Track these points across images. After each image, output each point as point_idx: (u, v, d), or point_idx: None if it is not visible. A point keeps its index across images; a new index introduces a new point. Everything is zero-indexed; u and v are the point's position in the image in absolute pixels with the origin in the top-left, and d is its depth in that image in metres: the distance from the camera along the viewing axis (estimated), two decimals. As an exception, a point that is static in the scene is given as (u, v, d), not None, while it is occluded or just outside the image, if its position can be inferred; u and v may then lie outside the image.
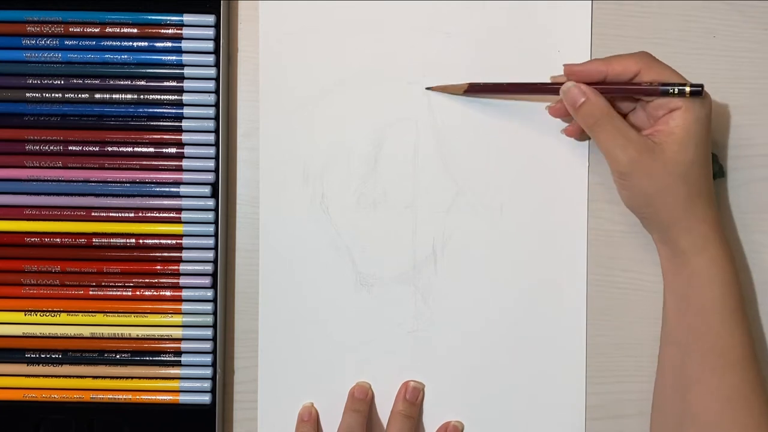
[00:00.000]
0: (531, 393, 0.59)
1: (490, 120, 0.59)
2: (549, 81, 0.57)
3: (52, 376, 0.58)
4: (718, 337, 0.53)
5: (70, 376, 0.58)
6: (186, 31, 0.58)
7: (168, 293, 0.58)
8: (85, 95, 0.58)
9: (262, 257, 0.60)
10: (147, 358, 0.58)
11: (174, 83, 0.58)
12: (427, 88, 0.59)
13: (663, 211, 0.54)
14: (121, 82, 0.58)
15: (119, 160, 0.58)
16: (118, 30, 0.58)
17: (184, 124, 0.58)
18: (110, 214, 0.58)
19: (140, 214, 0.58)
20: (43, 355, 0.58)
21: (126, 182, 0.58)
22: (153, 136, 0.58)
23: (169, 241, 0.58)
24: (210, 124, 0.58)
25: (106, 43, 0.58)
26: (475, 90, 0.58)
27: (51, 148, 0.58)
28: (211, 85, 0.58)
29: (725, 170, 0.59)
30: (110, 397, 0.58)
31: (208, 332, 0.58)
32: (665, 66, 0.55)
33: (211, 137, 0.58)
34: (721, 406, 0.53)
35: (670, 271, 0.56)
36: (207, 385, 0.58)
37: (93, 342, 0.58)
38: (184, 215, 0.58)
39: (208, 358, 0.58)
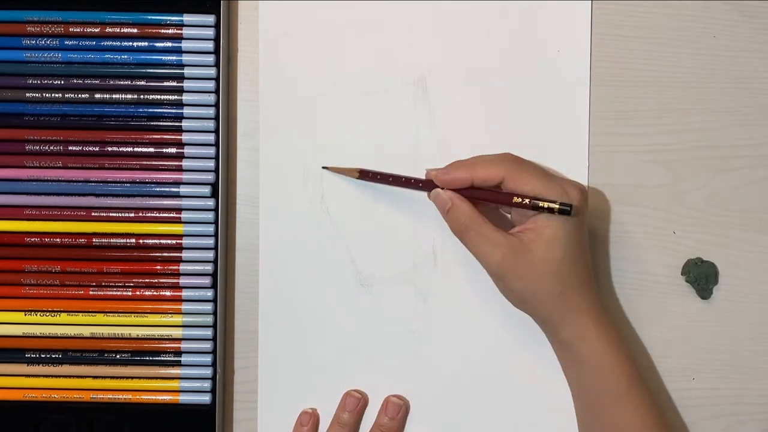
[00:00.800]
0: (531, 392, 0.59)
1: (491, 120, 0.59)
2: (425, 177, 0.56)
3: (52, 376, 0.58)
4: (612, 416, 0.55)
5: (70, 376, 0.58)
6: (186, 31, 0.58)
7: (168, 293, 0.58)
8: (85, 95, 0.58)
9: (262, 257, 0.60)
10: (147, 358, 0.58)
11: (174, 83, 0.58)
12: (323, 168, 0.59)
13: (539, 307, 0.55)
14: (121, 82, 0.58)
15: (119, 160, 0.58)
16: (118, 30, 0.58)
17: (184, 124, 0.58)
18: (110, 214, 0.58)
19: (140, 214, 0.58)
20: (43, 355, 0.58)
21: (126, 182, 0.58)
22: (153, 136, 0.58)
23: (169, 241, 0.58)
24: (210, 124, 0.58)
25: (106, 43, 0.58)
26: (365, 176, 0.58)
27: (51, 148, 0.58)
28: (211, 85, 0.58)
29: (711, 292, 0.59)
30: (110, 397, 0.58)
31: (208, 332, 0.58)
32: (530, 172, 0.54)
33: (211, 137, 0.58)
34: None
35: (561, 360, 0.57)
36: (207, 385, 0.58)
37: (93, 342, 0.58)
38: (184, 215, 0.58)
39: (208, 358, 0.58)
